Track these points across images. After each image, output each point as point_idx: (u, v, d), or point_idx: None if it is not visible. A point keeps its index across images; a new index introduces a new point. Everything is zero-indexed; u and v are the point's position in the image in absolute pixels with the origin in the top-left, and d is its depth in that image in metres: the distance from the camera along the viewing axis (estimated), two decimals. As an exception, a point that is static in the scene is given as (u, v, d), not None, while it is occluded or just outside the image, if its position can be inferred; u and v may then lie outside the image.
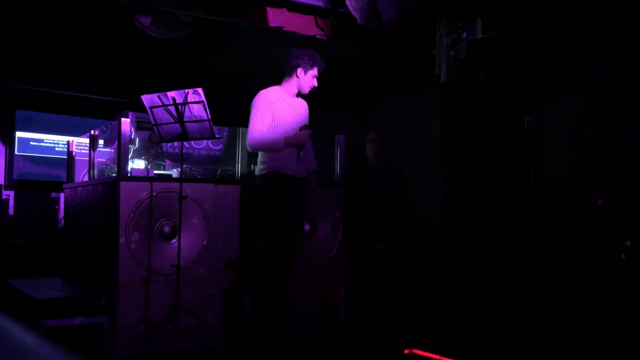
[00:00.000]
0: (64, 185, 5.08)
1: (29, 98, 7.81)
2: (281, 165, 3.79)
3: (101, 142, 4.79)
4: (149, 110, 3.57)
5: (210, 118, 3.52)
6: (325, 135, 4.95)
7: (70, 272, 4.81)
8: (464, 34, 4.50)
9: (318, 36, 4.53)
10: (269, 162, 3.81)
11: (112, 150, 4.70)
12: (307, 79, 3.86)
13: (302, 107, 4.01)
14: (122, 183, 3.75)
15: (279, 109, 3.81)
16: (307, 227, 4.51)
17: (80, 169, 5.22)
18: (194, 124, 3.56)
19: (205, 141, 4.82)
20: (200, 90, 3.44)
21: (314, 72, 3.86)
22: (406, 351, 3.80)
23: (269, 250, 3.83)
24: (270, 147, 3.79)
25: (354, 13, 4.06)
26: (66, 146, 5.77)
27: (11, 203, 7.23)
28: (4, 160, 7.85)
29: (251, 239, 4.22)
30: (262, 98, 3.81)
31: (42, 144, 8.11)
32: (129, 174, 3.91)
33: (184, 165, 4.09)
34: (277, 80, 3.92)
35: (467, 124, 5.00)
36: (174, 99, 3.49)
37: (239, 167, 4.77)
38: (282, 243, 3.79)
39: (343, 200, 4.70)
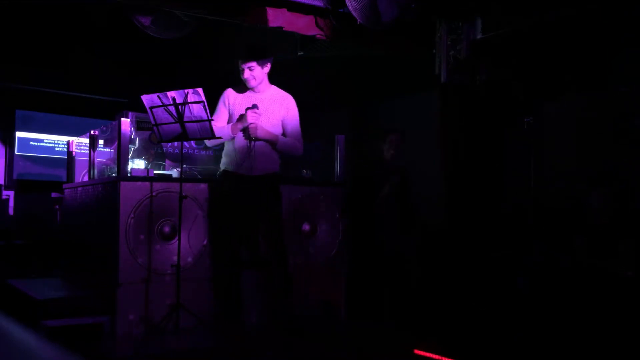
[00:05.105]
0: (64, 185, 5.08)
1: (29, 98, 7.81)
2: (229, 162, 3.79)
3: (101, 142, 4.79)
4: (149, 110, 3.57)
5: (210, 118, 3.52)
6: (325, 135, 4.95)
7: (70, 272, 4.80)
8: (464, 34, 4.51)
9: (318, 36, 4.53)
10: (222, 160, 3.87)
11: (112, 150, 4.70)
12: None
13: (270, 100, 3.81)
14: (122, 183, 3.75)
15: (234, 101, 3.82)
16: (306, 227, 4.53)
17: (80, 169, 5.21)
18: (194, 124, 3.56)
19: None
20: (200, 90, 3.44)
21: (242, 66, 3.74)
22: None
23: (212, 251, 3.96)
24: (219, 136, 3.71)
25: (354, 13, 4.06)
26: (66, 146, 5.77)
27: (11, 203, 7.24)
28: (4, 160, 7.85)
29: (253, 238, 4.22)
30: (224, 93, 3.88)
31: (42, 144, 8.11)
32: (129, 174, 3.91)
33: (184, 165, 4.09)
34: (277, 80, 3.92)
35: (466, 123, 5.00)
36: (174, 99, 3.49)
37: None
38: (222, 245, 3.84)
39: (345, 200, 4.69)
